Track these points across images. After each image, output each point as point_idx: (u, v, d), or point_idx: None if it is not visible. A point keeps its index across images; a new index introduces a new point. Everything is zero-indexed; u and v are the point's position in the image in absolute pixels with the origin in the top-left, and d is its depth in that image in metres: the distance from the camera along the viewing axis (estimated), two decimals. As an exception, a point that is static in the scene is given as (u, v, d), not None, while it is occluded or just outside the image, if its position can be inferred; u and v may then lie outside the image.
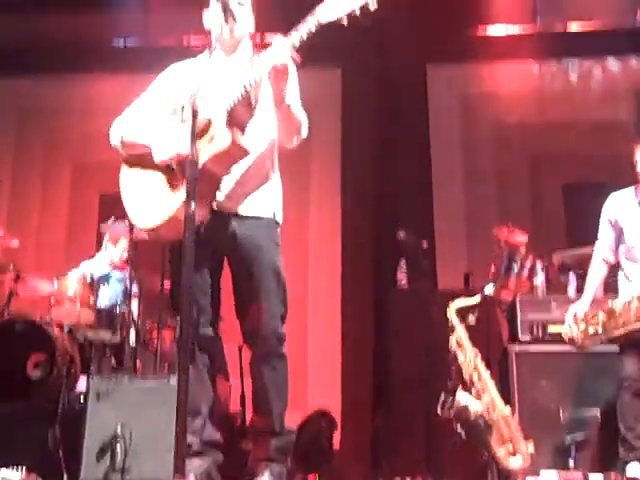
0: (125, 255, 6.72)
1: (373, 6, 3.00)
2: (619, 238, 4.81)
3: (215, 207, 3.46)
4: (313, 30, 3.08)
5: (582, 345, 4.62)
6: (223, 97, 3.26)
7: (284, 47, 3.11)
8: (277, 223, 3.62)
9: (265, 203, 3.57)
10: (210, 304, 3.55)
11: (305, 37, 3.10)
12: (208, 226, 3.42)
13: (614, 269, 4.91)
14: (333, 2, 3.04)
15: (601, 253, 4.87)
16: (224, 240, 3.49)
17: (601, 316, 4.53)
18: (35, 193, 8.46)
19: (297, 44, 3.12)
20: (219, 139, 3.23)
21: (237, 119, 3.30)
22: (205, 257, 3.41)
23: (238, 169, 3.44)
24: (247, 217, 3.51)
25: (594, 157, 7.67)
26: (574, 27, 8.22)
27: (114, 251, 6.79)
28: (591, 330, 4.54)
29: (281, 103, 3.32)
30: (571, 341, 4.66)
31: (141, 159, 3.52)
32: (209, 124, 3.27)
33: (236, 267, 3.57)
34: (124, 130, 3.58)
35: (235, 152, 3.29)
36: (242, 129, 3.33)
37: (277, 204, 3.64)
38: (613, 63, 8.05)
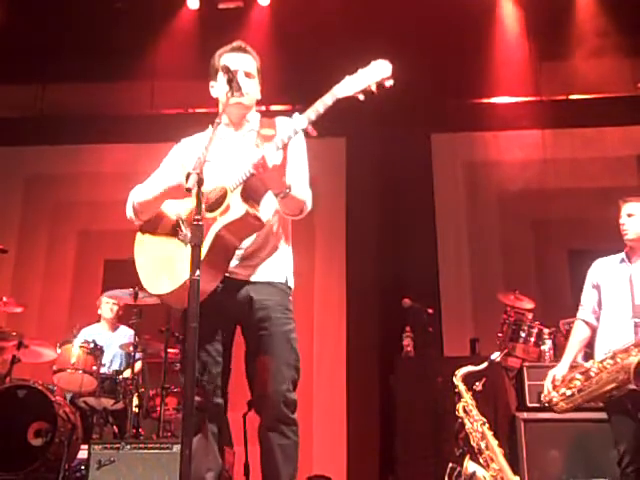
0: (110, 309, 6.82)
1: (389, 82, 3.03)
2: (601, 300, 4.75)
3: (230, 275, 3.44)
4: (330, 105, 3.11)
5: (560, 408, 4.53)
6: (237, 169, 3.26)
7: (295, 128, 3.13)
8: (289, 288, 3.58)
9: (277, 269, 3.55)
10: (221, 373, 3.51)
11: (322, 112, 3.12)
12: (222, 295, 3.40)
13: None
14: (351, 80, 3.08)
15: (583, 316, 4.79)
16: (237, 307, 3.46)
17: (578, 378, 4.46)
18: (40, 259, 8.48)
19: (314, 118, 3.14)
20: (234, 209, 3.22)
21: (252, 191, 3.30)
22: (218, 326, 3.41)
23: (250, 238, 3.45)
24: (260, 283, 3.49)
25: (598, 223, 7.66)
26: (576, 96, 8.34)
27: (102, 311, 6.88)
28: (568, 392, 4.46)
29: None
30: (549, 404, 4.57)
31: (155, 227, 3.53)
32: (224, 195, 3.28)
33: (248, 332, 3.53)
34: (135, 197, 3.58)
35: (250, 223, 3.28)
36: (257, 201, 3.32)
37: (289, 270, 3.62)
38: (614, 130, 8.12)
